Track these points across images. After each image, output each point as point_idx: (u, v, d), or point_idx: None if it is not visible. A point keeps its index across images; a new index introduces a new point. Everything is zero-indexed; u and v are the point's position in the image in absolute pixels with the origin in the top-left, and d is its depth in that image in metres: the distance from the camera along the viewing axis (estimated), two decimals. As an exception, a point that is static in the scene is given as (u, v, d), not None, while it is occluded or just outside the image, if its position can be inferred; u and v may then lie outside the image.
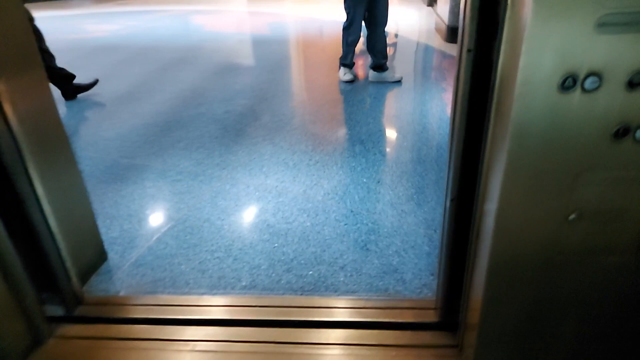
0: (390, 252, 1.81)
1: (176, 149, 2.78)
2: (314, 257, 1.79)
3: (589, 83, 0.87)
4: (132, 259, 1.81)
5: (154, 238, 1.93)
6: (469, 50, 1.06)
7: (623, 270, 1.07)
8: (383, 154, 2.64)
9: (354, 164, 2.51)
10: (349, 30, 3.80)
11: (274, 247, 1.86)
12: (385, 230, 1.94)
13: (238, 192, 2.27)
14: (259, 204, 2.17)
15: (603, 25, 0.83)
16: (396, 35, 5.96)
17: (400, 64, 4.65)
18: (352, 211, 2.09)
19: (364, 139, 2.83)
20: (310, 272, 1.70)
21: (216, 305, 1.51)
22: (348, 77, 3.96)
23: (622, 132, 0.91)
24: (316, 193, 2.24)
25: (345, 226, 1.98)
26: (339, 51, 3.99)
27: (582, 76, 0.87)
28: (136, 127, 3.14)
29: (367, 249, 1.83)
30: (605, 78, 0.87)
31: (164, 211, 2.14)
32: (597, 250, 1.05)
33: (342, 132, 2.97)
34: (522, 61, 0.88)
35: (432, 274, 1.67)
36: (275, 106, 3.45)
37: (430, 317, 1.47)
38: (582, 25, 0.83)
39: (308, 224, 2.00)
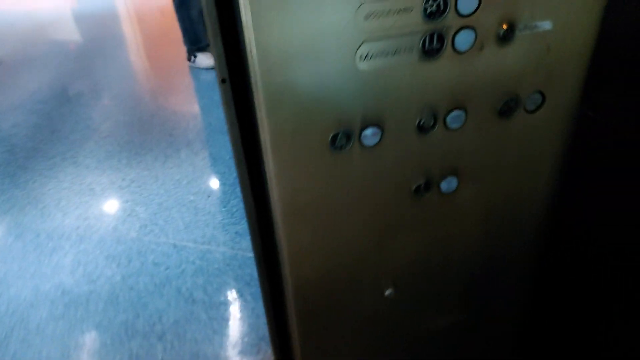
0: (222, 297, 1.48)
1: (-61, 193, 2.10)
2: (124, 328, 1.39)
3: (367, 137, 0.59)
4: None
5: None
6: (222, 81, 0.72)
7: (454, 330, 0.87)
8: (214, 155, 2.25)
9: (178, 177, 2.09)
10: (187, 5, 2.91)
11: (70, 325, 1.42)
12: (216, 266, 1.60)
13: (24, 247, 1.75)
14: (52, 259, 1.68)
15: (366, 59, 0.53)
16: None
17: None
18: (175, 246, 1.70)
19: (190, 139, 2.40)
20: (118, 357, 1.31)
21: None
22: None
23: (424, 187, 0.66)
24: (130, 228, 1.80)
25: (167, 271, 1.59)
26: (171, 25, 3.36)
27: (356, 130, 0.58)
28: None
29: (194, 300, 1.47)
30: (387, 127, 0.59)
31: None
32: (424, 316, 0.83)
33: (162, 133, 2.50)
34: (271, 116, 0.55)
35: (273, 320, 1.38)
36: (81, 108, 2.83)
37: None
38: (343, 60, 0.52)
39: (118, 277, 1.58)
